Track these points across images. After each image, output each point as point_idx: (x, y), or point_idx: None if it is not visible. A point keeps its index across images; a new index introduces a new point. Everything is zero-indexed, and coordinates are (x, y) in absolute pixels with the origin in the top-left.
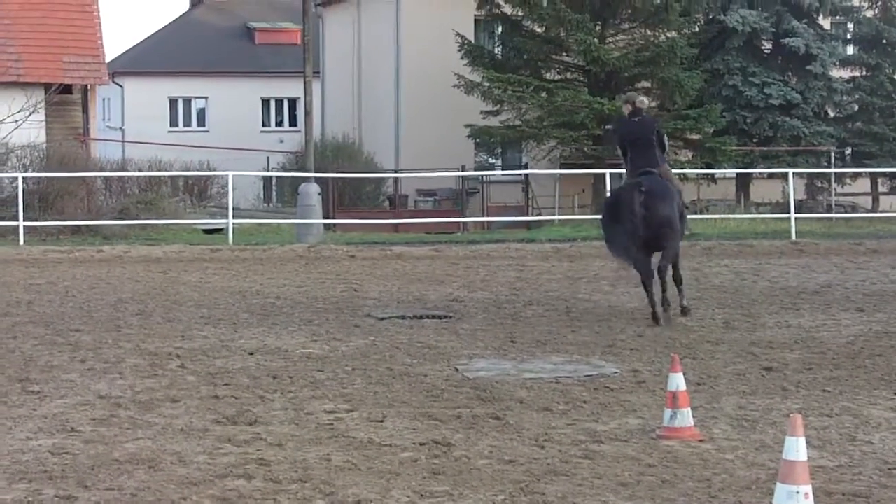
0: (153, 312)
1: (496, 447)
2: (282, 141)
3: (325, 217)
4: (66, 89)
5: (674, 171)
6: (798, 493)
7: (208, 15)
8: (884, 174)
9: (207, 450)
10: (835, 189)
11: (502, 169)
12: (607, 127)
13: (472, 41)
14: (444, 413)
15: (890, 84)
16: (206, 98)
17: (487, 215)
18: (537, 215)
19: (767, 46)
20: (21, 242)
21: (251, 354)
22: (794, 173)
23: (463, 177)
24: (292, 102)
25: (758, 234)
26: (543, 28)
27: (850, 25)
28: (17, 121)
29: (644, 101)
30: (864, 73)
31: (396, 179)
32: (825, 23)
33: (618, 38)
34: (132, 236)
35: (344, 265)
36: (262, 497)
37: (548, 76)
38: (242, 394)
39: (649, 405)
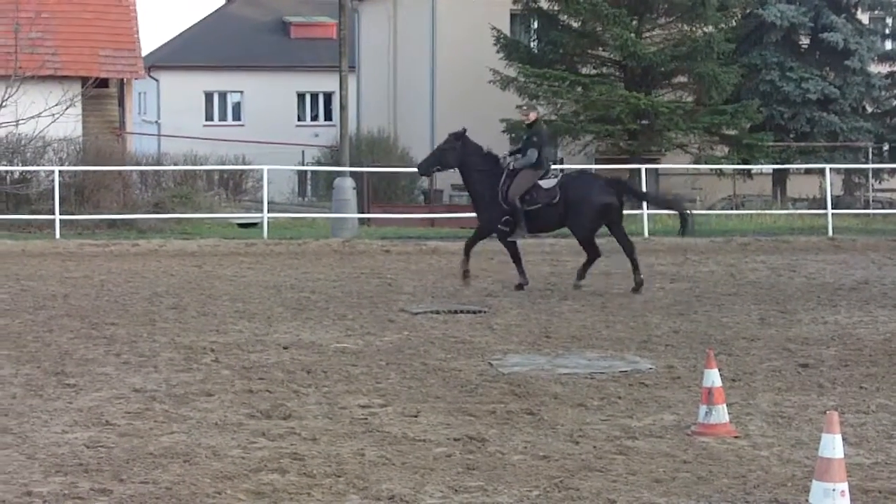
0: (188, 306)
1: (530, 443)
2: (317, 135)
3: (359, 211)
4: (103, 83)
5: (710, 166)
6: (834, 490)
7: (244, 9)
8: None
9: (242, 444)
10: (872, 185)
11: None
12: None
13: (508, 35)
14: (478, 408)
15: None
16: (241, 92)
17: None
18: None
19: (805, 41)
20: (57, 236)
21: (285, 349)
22: (831, 169)
23: None
24: (327, 97)
25: (794, 230)
26: (580, 22)
27: (889, 20)
28: (53, 114)
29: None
30: None
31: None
32: (864, 17)
33: (654, 32)
34: (167, 230)
35: (378, 260)
36: (296, 491)
37: (583, 71)
38: (277, 388)
39: (684, 401)
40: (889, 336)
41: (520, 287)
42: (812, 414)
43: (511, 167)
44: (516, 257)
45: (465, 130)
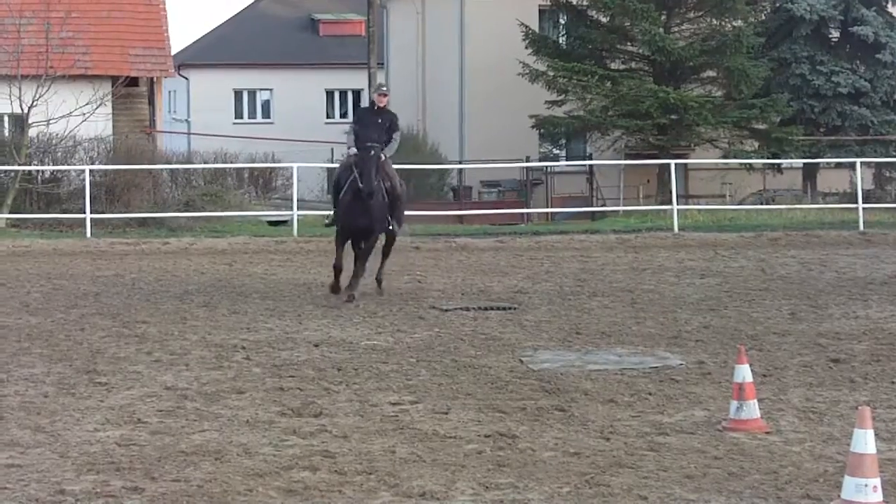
0: (219, 304)
1: (561, 439)
2: (346, 132)
3: None
4: (133, 82)
5: (739, 160)
6: (867, 486)
7: (273, 7)
8: None
9: (273, 441)
10: None
11: (566, 160)
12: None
13: (537, 31)
14: (508, 405)
15: None
16: (270, 90)
17: (551, 206)
18: (602, 206)
19: (835, 35)
20: (88, 235)
21: (316, 346)
22: (862, 163)
23: (527, 168)
24: (356, 94)
25: (825, 225)
26: (608, 18)
27: None
28: (84, 113)
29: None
30: None
31: (460, 170)
32: (894, 10)
33: (683, 27)
34: (198, 228)
35: (408, 257)
36: (327, 489)
37: (612, 66)
38: (307, 385)
39: (715, 397)
40: None
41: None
42: (844, 409)
43: (384, 158)
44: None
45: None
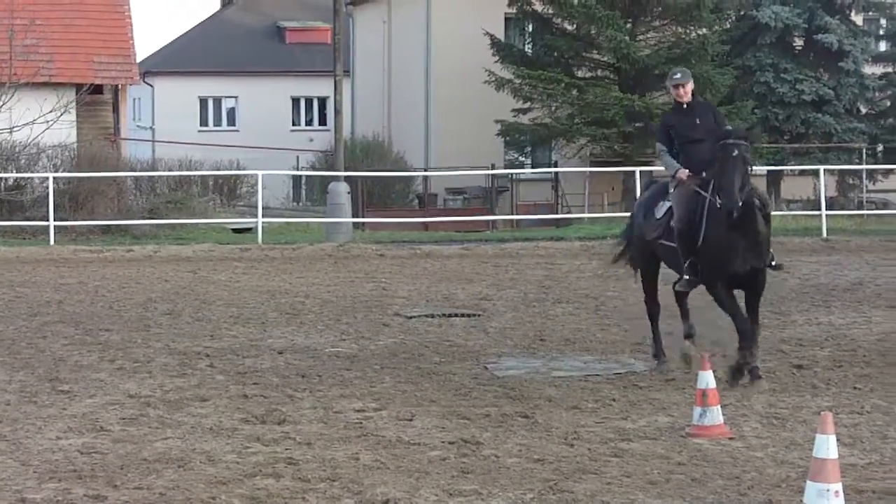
0: (182, 312)
1: (525, 445)
2: (311, 140)
3: (354, 216)
4: (97, 89)
5: None
6: (829, 491)
7: (239, 14)
8: None
9: (236, 449)
10: (866, 186)
11: (532, 167)
12: None
13: (503, 39)
14: (472, 411)
15: None
16: (236, 97)
17: (517, 214)
18: (567, 213)
19: (800, 43)
20: (52, 242)
21: (280, 353)
22: (825, 170)
23: (492, 175)
24: (322, 101)
25: (788, 231)
26: (574, 26)
27: (883, 21)
28: (48, 121)
29: None
30: None
31: (426, 178)
32: (858, 19)
33: (648, 35)
34: (162, 236)
35: (373, 264)
36: (290, 496)
37: (578, 74)
38: (271, 393)
39: (679, 403)
40: (883, 337)
41: None
42: (806, 415)
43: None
44: None
45: None
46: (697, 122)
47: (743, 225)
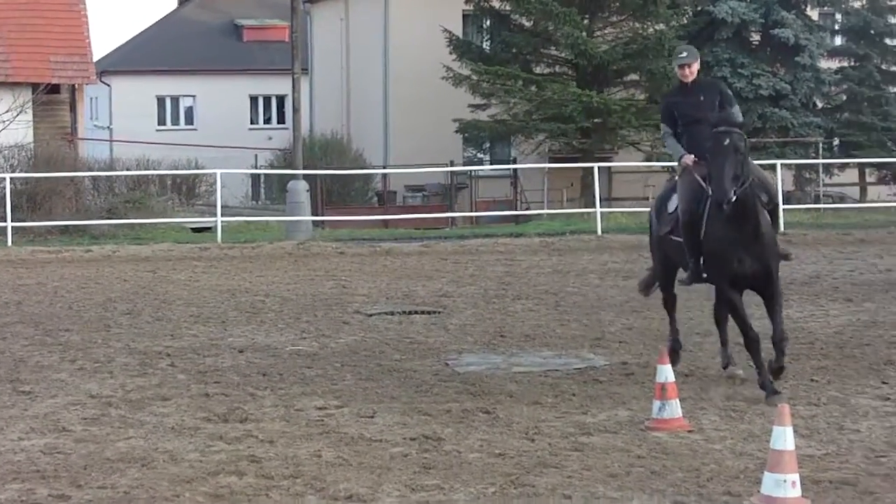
0: (142, 311)
1: (486, 441)
2: (270, 138)
3: (313, 214)
4: (54, 89)
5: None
6: (786, 481)
7: (196, 12)
8: (871, 164)
9: (199, 447)
10: (823, 180)
11: (491, 164)
12: None
13: (461, 36)
14: (434, 408)
15: (878, 74)
16: (193, 96)
17: (476, 210)
18: (526, 210)
19: (756, 38)
20: (9, 243)
21: (241, 352)
22: (782, 164)
23: (451, 172)
24: (280, 99)
25: None
26: (531, 22)
27: (839, 16)
28: (4, 121)
29: None
30: (853, 63)
31: (385, 175)
32: (814, 14)
33: (606, 31)
34: (120, 236)
35: (333, 262)
36: (253, 493)
37: (536, 70)
38: (233, 391)
39: (638, 397)
40: (840, 329)
41: None
42: (764, 407)
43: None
44: None
45: None
46: (702, 99)
47: (741, 220)
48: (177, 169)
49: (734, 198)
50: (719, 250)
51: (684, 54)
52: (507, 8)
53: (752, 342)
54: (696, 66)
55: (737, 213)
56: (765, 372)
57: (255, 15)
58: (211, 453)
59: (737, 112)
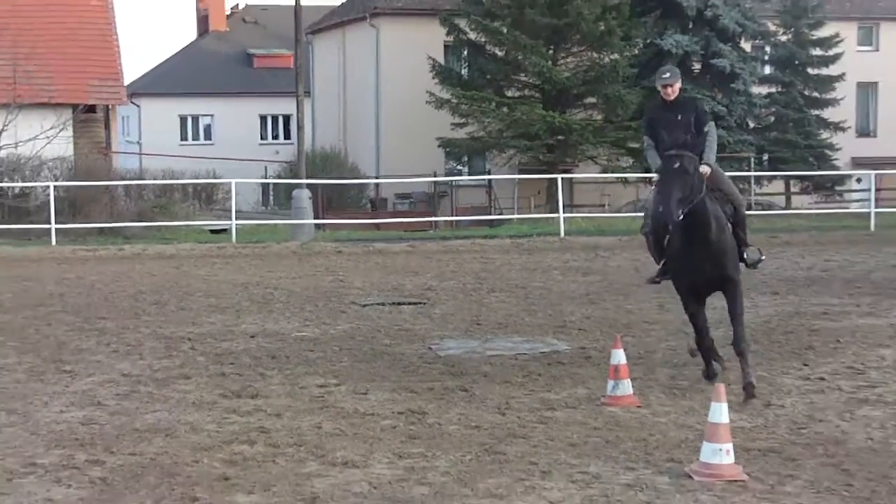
0: (168, 302)
1: (464, 415)
2: (277, 152)
3: (315, 218)
4: (91, 109)
5: (616, 175)
6: (721, 450)
7: (213, 43)
8: (795, 177)
9: (216, 420)
10: (754, 190)
11: (469, 175)
12: None
13: (442, 63)
14: (419, 386)
15: (801, 98)
16: (211, 116)
17: (456, 215)
18: (499, 215)
19: (697, 66)
20: (53, 243)
21: (252, 337)
22: None
23: (435, 182)
24: (286, 119)
25: None
26: (503, 52)
27: (768, 48)
28: (48, 137)
29: None
30: (780, 89)
31: (377, 184)
32: (747, 46)
33: (568, 60)
34: (149, 236)
35: (332, 260)
36: (263, 459)
37: (507, 94)
38: (245, 371)
39: (595, 377)
40: (767, 319)
41: None
42: (703, 386)
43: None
44: None
45: None
46: (679, 118)
47: (693, 236)
48: (197, 178)
49: (681, 217)
50: (677, 260)
51: (667, 75)
52: (483, 39)
53: (706, 350)
54: (677, 86)
55: (689, 227)
56: (710, 372)
57: (264, 45)
58: (226, 425)
59: (711, 129)
